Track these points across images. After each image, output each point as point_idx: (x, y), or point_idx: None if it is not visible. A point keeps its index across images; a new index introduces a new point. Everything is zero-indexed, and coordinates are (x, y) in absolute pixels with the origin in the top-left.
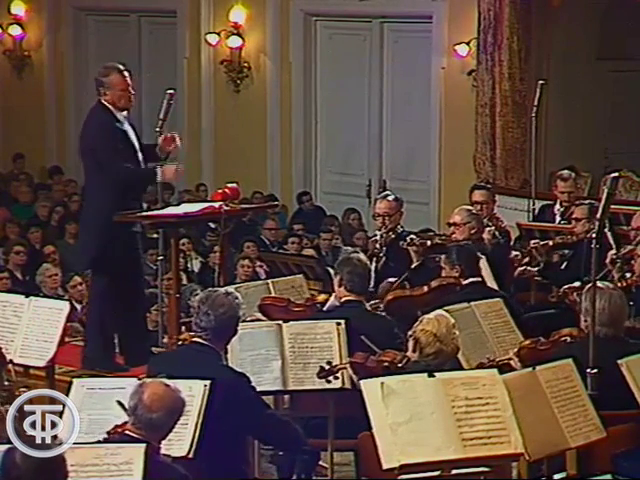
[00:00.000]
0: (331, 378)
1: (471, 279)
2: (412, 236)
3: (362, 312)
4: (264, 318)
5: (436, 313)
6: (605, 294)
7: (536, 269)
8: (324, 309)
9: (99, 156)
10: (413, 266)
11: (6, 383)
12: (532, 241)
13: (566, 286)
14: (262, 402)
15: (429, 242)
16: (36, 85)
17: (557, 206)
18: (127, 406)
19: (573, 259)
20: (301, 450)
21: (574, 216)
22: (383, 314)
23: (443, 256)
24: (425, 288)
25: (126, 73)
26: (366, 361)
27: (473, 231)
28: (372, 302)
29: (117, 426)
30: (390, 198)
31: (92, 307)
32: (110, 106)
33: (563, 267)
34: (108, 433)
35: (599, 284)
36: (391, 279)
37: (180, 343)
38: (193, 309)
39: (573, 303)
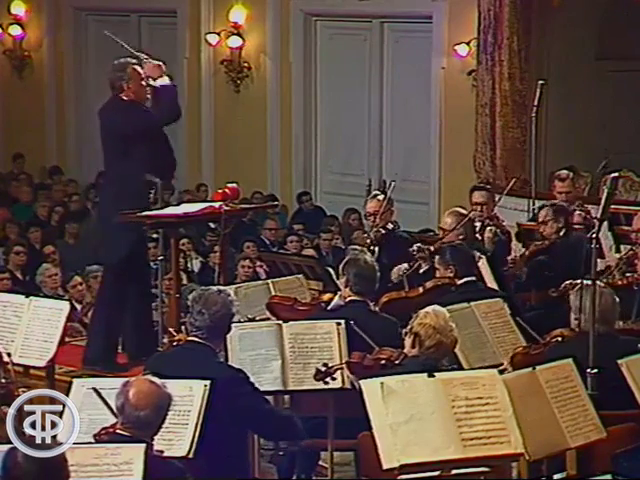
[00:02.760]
0: (328, 379)
1: (466, 278)
2: (419, 244)
3: (366, 312)
4: (272, 316)
5: (431, 307)
6: (596, 292)
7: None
8: (328, 308)
9: (137, 124)
10: (422, 271)
11: (3, 381)
12: (509, 258)
13: (567, 281)
14: (261, 396)
15: (432, 248)
16: (36, 85)
17: None
18: (114, 407)
19: (554, 261)
20: (298, 442)
21: (540, 220)
22: (388, 316)
23: (437, 257)
24: (420, 289)
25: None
26: (363, 360)
27: (461, 237)
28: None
29: (105, 428)
30: (379, 197)
31: (99, 306)
32: (129, 100)
33: (546, 272)
34: (95, 436)
35: (589, 282)
36: (405, 265)
37: (175, 344)
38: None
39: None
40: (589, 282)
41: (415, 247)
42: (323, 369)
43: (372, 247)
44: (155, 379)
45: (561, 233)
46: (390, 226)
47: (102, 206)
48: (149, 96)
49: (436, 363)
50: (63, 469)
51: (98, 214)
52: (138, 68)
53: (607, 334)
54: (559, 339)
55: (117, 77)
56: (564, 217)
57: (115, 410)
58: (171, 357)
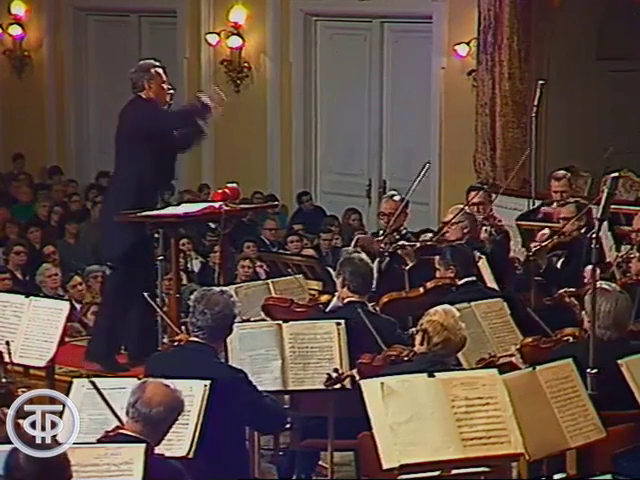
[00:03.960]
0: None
1: (466, 279)
2: (402, 242)
3: (365, 313)
4: (268, 318)
5: (442, 306)
6: (612, 297)
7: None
8: (327, 310)
9: (150, 124)
10: (408, 267)
11: (4, 380)
12: (532, 244)
13: (562, 290)
14: (259, 393)
15: (418, 244)
16: (36, 85)
17: (554, 205)
18: (127, 403)
19: (570, 258)
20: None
21: (562, 216)
22: (387, 317)
23: (437, 257)
24: (421, 289)
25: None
26: (372, 361)
27: (466, 230)
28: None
29: (108, 432)
30: (396, 198)
31: (105, 304)
32: (149, 100)
33: (559, 266)
34: (99, 441)
35: (605, 286)
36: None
37: (176, 344)
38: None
39: (571, 306)
40: (604, 285)
41: (399, 244)
42: (334, 375)
43: (385, 252)
44: (171, 384)
45: (582, 231)
46: (403, 231)
47: (106, 205)
48: (168, 99)
49: (443, 360)
50: (65, 470)
51: (102, 212)
52: (161, 71)
53: (618, 339)
54: (570, 338)
55: (140, 76)
56: (586, 216)
57: (126, 406)
58: (172, 357)
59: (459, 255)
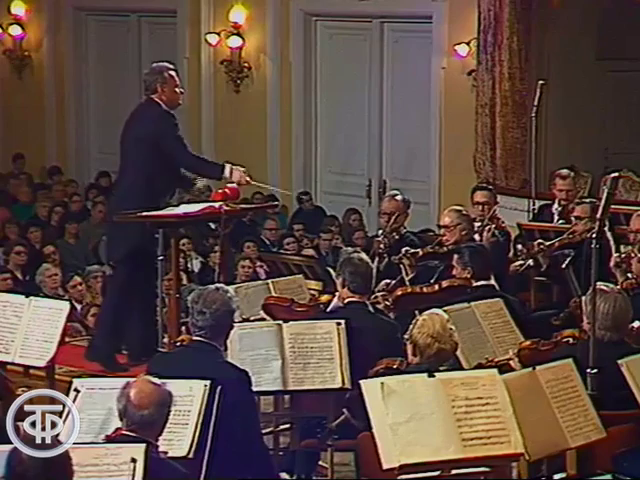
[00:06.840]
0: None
1: (482, 282)
2: (404, 251)
3: (366, 314)
4: (268, 317)
5: (429, 313)
6: (610, 298)
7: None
8: (327, 310)
9: (165, 143)
10: (408, 279)
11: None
12: (538, 241)
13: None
14: (257, 417)
15: (420, 252)
16: (36, 85)
17: (555, 205)
18: (116, 410)
19: (576, 258)
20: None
21: (575, 214)
22: (388, 318)
23: (456, 255)
24: (436, 287)
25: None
26: None
27: (464, 232)
28: (381, 293)
29: (108, 436)
30: (398, 198)
31: (109, 303)
32: (162, 103)
33: (564, 266)
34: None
35: (604, 287)
36: (388, 280)
37: (179, 345)
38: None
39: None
40: (602, 286)
41: (400, 256)
42: None
43: (385, 253)
44: (153, 378)
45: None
46: (403, 230)
47: (113, 205)
48: (180, 102)
49: (439, 368)
50: (67, 466)
51: (108, 213)
52: (174, 74)
53: (618, 342)
54: (570, 340)
55: (154, 79)
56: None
57: (117, 414)
58: (176, 357)
59: (477, 257)
